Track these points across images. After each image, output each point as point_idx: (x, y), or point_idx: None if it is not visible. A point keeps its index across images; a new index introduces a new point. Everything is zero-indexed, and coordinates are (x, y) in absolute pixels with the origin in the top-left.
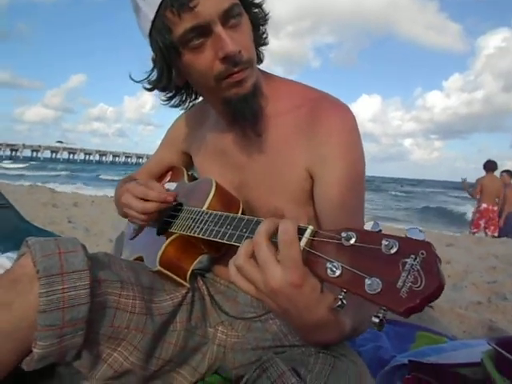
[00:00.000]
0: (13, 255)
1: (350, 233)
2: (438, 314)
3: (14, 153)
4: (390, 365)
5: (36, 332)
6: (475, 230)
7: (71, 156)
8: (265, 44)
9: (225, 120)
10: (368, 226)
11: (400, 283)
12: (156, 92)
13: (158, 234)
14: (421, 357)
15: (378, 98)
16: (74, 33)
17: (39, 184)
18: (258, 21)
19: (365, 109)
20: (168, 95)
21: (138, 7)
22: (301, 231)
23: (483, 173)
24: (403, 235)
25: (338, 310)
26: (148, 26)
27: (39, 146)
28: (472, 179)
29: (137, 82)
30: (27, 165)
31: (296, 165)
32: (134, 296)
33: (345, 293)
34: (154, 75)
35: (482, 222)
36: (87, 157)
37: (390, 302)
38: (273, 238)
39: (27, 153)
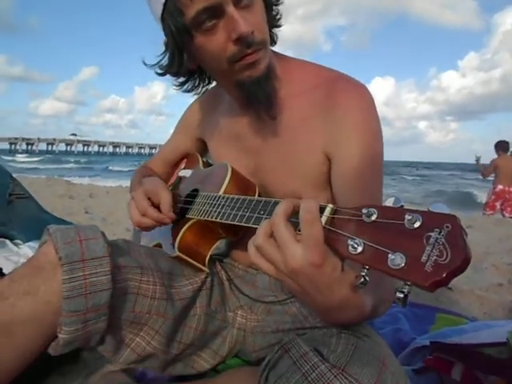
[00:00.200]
0: (34, 245)
1: (371, 209)
2: (457, 295)
3: (29, 147)
4: (411, 347)
5: (61, 317)
6: (491, 212)
7: (85, 148)
8: (278, 26)
9: (238, 104)
10: (389, 202)
11: (424, 257)
12: (167, 81)
13: (176, 220)
14: (442, 338)
15: (391, 80)
16: (83, 25)
17: (56, 177)
18: (271, 1)
19: (378, 92)
20: (180, 80)
21: None
22: (321, 209)
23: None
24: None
25: (360, 287)
26: (160, 8)
27: (54, 140)
28: (489, 161)
29: (149, 66)
30: (41, 158)
31: (313, 147)
32: (154, 281)
33: (367, 269)
34: (166, 59)
35: (497, 204)
36: (101, 149)
37: (415, 277)
38: (293, 217)
39: (43, 146)
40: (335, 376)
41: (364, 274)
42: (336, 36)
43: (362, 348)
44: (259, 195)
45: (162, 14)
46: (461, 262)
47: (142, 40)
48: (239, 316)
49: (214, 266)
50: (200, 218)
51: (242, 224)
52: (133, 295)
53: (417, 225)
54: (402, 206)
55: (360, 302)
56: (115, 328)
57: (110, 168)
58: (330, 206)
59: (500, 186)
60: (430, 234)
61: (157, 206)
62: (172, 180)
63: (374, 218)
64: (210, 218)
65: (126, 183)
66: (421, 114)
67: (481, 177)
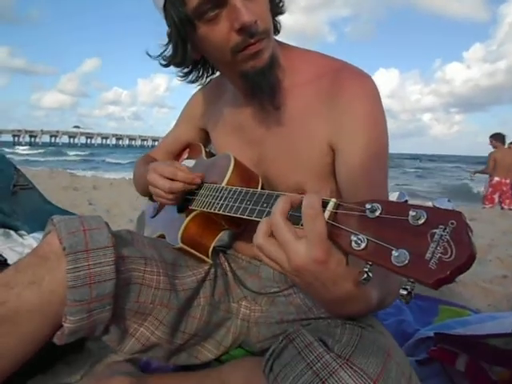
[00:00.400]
0: (39, 236)
1: (374, 204)
2: (461, 288)
3: (33, 139)
4: (415, 338)
5: (66, 307)
6: (490, 205)
7: (89, 140)
8: (281, 13)
9: (242, 94)
10: (394, 197)
11: (429, 254)
12: (170, 73)
13: (179, 211)
14: (446, 329)
15: (395, 71)
16: (84, 17)
17: (60, 169)
18: None
19: (382, 84)
20: (184, 71)
21: None
22: (323, 204)
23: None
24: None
25: (363, 283)
26: None
27: (57, 132)
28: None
29: (153, 57)
30: (40, 151)
31: (317, 138)
32: (158, 272)
33: (370, 265)
34: (170, 50)
35: (495, 196)
36: (104, 141)
37: (419, 274)
38: (296, 211)
39: (46, 138)
40: (340, 366)
41: (367, 269)
42: (340, 27)
43: (366, 338)
44: (262, 186)
45: (165, 4)
46: (466, 259)
47: (144, 32)
48: (243, 307)
49: (218, 258)
50: (203, 209)
51: (245, 217)
52: (137, 285)
53: (421, 221)
54: (407, 200)
55: (366, 295)
56: (119, 318)
57: (108, 160)
58: (333, 200)
59: (496, 178)
60: (435, 230)
61: None
62: None
63: (377, 213)
64: (213, 210)
65: (128, 175)
66: (425, 106)
67: (486, 175)
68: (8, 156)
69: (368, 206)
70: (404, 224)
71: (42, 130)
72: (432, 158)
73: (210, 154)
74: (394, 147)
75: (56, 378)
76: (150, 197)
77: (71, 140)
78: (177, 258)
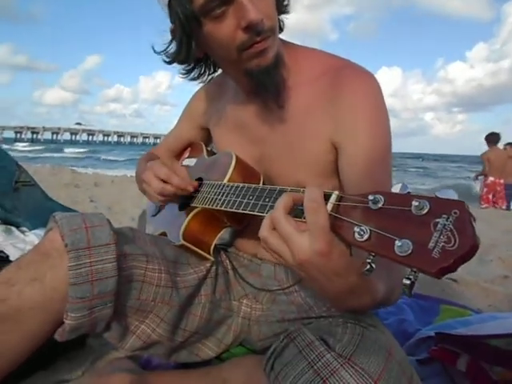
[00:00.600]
0: (41, 232)
1: (377, 196)
2: (462, 287)
3: (34, 135)
4: (416, 337)
5: (67, 304)
6: (486, 205)
7: (90, 137)
8: (286, 12)
9: (245, 92)
10: (396, 189)
11: (432, 244)
12: (172, 71)
13: (180, 209)
14: (447, 329)
15: (398, 70)
16: (86, 13)
17: (63, 165)
18: None
19: (385, 82)
20: (187, 68)
21: None
22: (326, 197)
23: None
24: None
25: (366, 275)
26: None
27: (59, 129)
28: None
29: (156, 53)
30: (36, 148)
31: (319, 136)
32: (159, 269)
33: (373, 256)
34: (173, 47)
35: (490, 196)
36: (106, 138)
37: (422, 263)
38: (298, 205)
39: (48, 135)
40: (341, 365)
41: (370, 260)
42: (342, 25)
43: (368, 338)
44: (263, 184)
45: (169, 1)
46: (469, 248)
47: (146, 29)
48: (244, 305)
49: (219, 255)
50: (205, 206)
51: (247, 212)
52: (138, 283)
53: (424, 211)
54: (409, 192)
55: (371, 287)
56: (121, 315)
57: (105, 158)
58: (336, 192)
59: (491, 178)
60: (438, 220)
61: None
62: None
63: (380, 204)
64: (214, 207)
65: (126, 172)
66: (427, 106)
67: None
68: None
69: (371, 197)
70: (407, 214)
71: (43, 127)
72: (435, 158)
73: (211, 153)
74: (396, 146)
75: (57, 374)
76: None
77: (73, 137)
78: (178, 255)
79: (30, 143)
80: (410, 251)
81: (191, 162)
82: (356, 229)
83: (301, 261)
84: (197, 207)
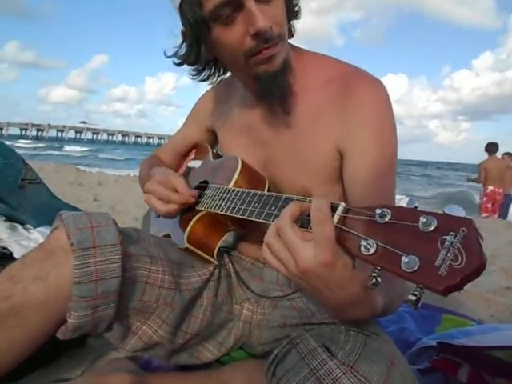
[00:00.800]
0: (45, 230)
1: (384, 209)
2: (464, 297)
3: (40, 133)
4: (417, 346)
5: (71, 303)
6: (486, 215)
7: (95, 136)
8: (297, 18)
9: (253, 95)
10: (403, 202)
11: (439, 261)
12: (178, 72)
13: (185, 211)
14: (449, 339)
15: (403, 77)
16: (95, 12)
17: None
18: None
19: (390, 89)
20: (197, 69)
21: None
22: (333, 208)
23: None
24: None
25: (371, 288)
26: None
27: (64, 127)
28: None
29: (167, 56)
30: (36, 145)
31: (325, 142)
32: (163, 271)
33: (379, 270)
34: (183, 50)
35: (489, 205)
36: (110, 137)
37: (429, 281)
38: (305, 215)
39: (53, 133)
40: (344, 373)
41: (375, 274)
42: (349, 31)
43: (370, 346)
44: (269, 189)
45: (181, 4)
46: (476, 266)
47: (153, 29)
48: (245, 309)
49: (222, 258)
50: (210, 210)
51: (253, 219)
52: (142, 284)
53: (432, 228)
54: (416, 207)
55: (372, 299)
56: (123, 316)
57: (103, 156)
58: (343, 204)
59: (490, 187)
60: (445, 237)
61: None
62: (181, 171)
63: (387, 218)
64: (219, 212)
65: (132, 172)
66: (432, 113)
67: (479, 184)
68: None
69: (378, 211)
70: (414, 230)
71: (49, 125)
72: (439, 165)
73: (216, 156)
74: (400, 153)
75: (57, 373)
76: None
77: (77, 135)
78: (182, 257)
79: (34, 140)
80: (416, 268)
81: (196, 163)
82: (363, 242)
83: (304, 270)
84: (201, 210)
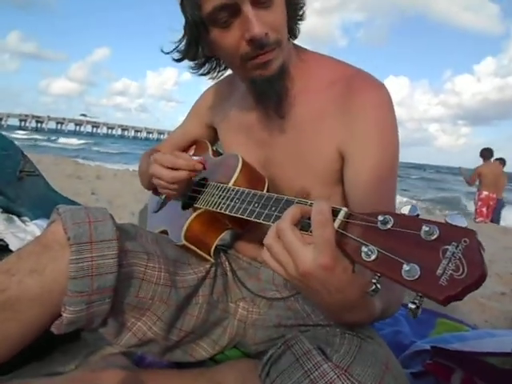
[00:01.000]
0: (42, 223)
1: (387, 216)
2: (459, 302)
3: (39, 124)
4: (411, 350)
5: (66, 297)
6: (481, 219)
7: (94, 129)
8: (301, 19)
9: (252, 96)
10: (405, 210)
11: (440, 271)
12: (179, 67)
13: (183, 208)
14: (443, 343)
15: (405, 79)
16: (97, 5)
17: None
18: None
19: (391, 91)
20: (197, 63)
21: None
22: (335, 212)
23: (508, 161)
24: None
25: (371, 295)
26: None
27: (63, 119)
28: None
29: (167, 52)
30: (32, 137)
31: (327, 144)
32: (159, 268)
33: (379, 277)
34: (184, 45)
35: (484, 210)
36: (110, 131)
37: (429, 290)
38: (306, 218)
39: (52, 125)
40: (338, 376)
41: (375, 281)
42: (352, 32)
43: (365, 350)
44: (268, 189)
45: (182, 1)
46: (477, 277)
47: (155, 24)
48: (241, 308)
49: (219, 257)
50: (208, 208)
51: (252, 219)
52: (138, 280)
53: (433, 237)
54: (418, 214)
55: (370, 304)
56: (118, 311)
57: (96, 149)
58: (345, 209)
59: (485, 192)
60: (447, 247)
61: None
62: None
63: (389, 225)
64: (219, 210)
65: (129, 167)
66: (432, 117)
67: (470, 185)
68: None
69: (380, 217)
70: (416, 238)
71: (48, 117)
72: (438, 169)
73: (216, 153)
74: (399, 155)
75: (50, 366)
76: (154, 190)
77: (77, 128)
78: (179, 255)
79: (31, 132)
80: (417, 276)
81: None
82: (364, 248)
83: (304, 273)
84: (200, 208)
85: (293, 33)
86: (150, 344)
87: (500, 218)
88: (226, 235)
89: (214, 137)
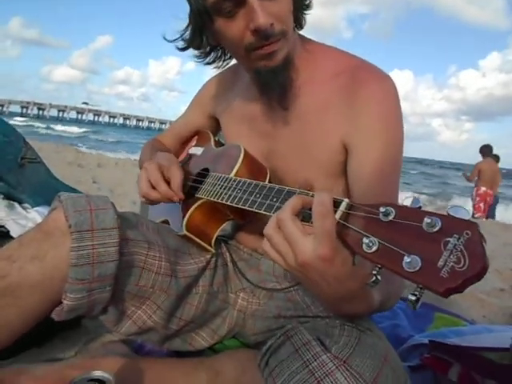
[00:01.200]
0: (43, 210)
1: (388, 208)
2: (458, 297)
3: (41, 112)
4: (409, 343)
5: (67, 284)
6: (479, 214)
7: (96, 118)
8: (308, 8)
9: (256, 87)
10: (407, 202)
11: (441, 262)
12: (182, 57)
13: (185, 198)
14: (441, 338)
15: (409, 73)
16: None
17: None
18: None
19: (396, 85)
20: (203, 52)
21: None
22: (336, 204)
23: (510, 158)
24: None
25: (371, 286)
26: None
27: (65, 107)
28: (499, 164)
29: (170, 41)
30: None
31: (330, 135)
32: (160, 257)
33: (379, 269)
34: (188, 34)
35: (482, 205)
36: (112, 120)
37: (430, 281)
38: (307, 209)
39: (54, 112)
40: (337, 367)
41: (376, 272)
42: (357, 23)
43: (364, 341)
44: (270, 180)
45: None
46: (478, 270)
47: (158, 12)
48: (241, 298)
49: (220, 247)
50: (210, 198)
51: (254, 210)
52: (138, 269)
53: (435, 229)
54: (421, 206)
55: (368, 295)
56: (118, 299)
57: (92, 137)
58: (346, 200)
59: (483, 188)
60: (449, 239)
61: (167, 182)
62: (182, 157)
63: (391, 217)
64: (220, 200)
65: (129, 156)
66: (436, 112)
67: (470, 182)
68: None
69: (382, 209)
70: (418, 230)
71: (50, 104)
72: (440, 164)
73: (218, 143)
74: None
75: (50, 353)
76: None
77: (79, 116)
78: (180, 244)
79: (29, 119)
80: (418, 268)
81: (198, 150)
82: (365, 240)
83: (303, 263)
84: (201, 198)
85: (299, 23)
86: (149, 332)
87: (495, 214)
88: (227, 226)
89: (217, 127)
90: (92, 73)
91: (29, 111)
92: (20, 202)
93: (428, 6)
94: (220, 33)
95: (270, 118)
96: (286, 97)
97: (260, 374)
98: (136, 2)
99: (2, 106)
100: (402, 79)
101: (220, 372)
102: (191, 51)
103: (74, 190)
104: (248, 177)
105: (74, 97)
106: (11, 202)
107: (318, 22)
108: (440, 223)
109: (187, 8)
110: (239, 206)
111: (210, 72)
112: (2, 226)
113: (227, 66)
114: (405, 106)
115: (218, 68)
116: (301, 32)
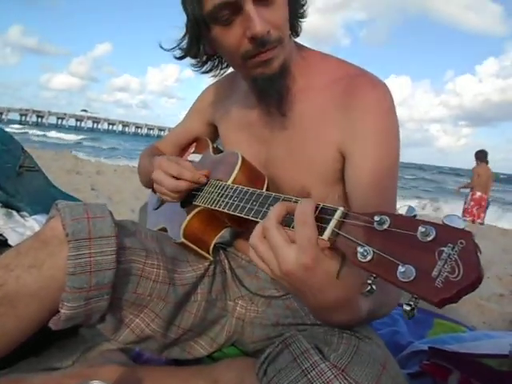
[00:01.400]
0: (41, 218)
1: (383, 217)
2: (458, 303)
3: (39, 119)
4: (408, 350)
5: (64, 293)
6: (470, 218)
7: (95, 125)
8: (302, 17)
9: (254, 94)
10: (402, 211)
11: (435, 272)
12: (181, 64)
13: (183, 206)
14: (441, 344)
15: (406, 79)
16: (102, 1)
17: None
18: None
19: (392, 91)
20: (200, 61)
21: None
22: (331, 212)
23: (508, 163)
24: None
25: (366, 295)
26: None
27: (64, 114)
28: (497, 169)
29: (168, 50)
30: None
31: (327, 143)
32: (158, 265)
33: (374, 278)
34: (185, 43)
35: (475, 210)
36: (110, 127)
37: (424, 292)
38: (292, 215)
39: (53, 120)
40: (335, 376)
41: (371, 281)
42: (355, 31)
43: (363, 350)
44: (268, 187)
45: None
46: (473, 280)
47: (157, 20)
48: (239, 306)
49: (218, 255)
50: (207, 206)
51: (250, 217)
52: (136, 277)
53: (430, 238)
54: (416, 215)
55: (353, 305)
56: (116, 308)
57: (87, 144)
58: (341, 209)
59: (479, 193)
60: (443, 248)
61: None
62: None
63: (385, 226)
64: (218, 208)
65: (128, 163)
66: (433, 117)
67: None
68: None
69: (377, 218)
70: (412, 239)
71: (49, 112)
72: (439, 170)
73: (216, 150)
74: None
75: (48, 362)
76: (153, 188)
77: (78, 123)
78: (178, 252)
79: (24, 126)
80: (412, 278)
81: (196, 157)
82: (359, 249)
83: (286, 272)
84: (199, 206)
85: (295, 30)
86: (147, 341)
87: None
88: (225, 233)
89: (215, 134)
90: (91, 80)
91: (27, 119)
92: (18, 211)
93: (425, 13)
94: (217, 41)
95: (268, 124)
96: (283, 103)
97: (258, 383)
98: (135, 11)
99: (1, 113)
100: (400, 85)
101: (218, 381)
102: (189, 59)
103: (72, 198)
104: (246, 184)
105: (73, 104)
106: (9, 210)
107: (316, 30)
108: (434, 232)
109: (184, 17)
110: (236, 214)
111: (209, 79)
112: (0, 235)
113: (225, 74)
114: (402, 112)
115: (215, 77)
116: (298, 40)
